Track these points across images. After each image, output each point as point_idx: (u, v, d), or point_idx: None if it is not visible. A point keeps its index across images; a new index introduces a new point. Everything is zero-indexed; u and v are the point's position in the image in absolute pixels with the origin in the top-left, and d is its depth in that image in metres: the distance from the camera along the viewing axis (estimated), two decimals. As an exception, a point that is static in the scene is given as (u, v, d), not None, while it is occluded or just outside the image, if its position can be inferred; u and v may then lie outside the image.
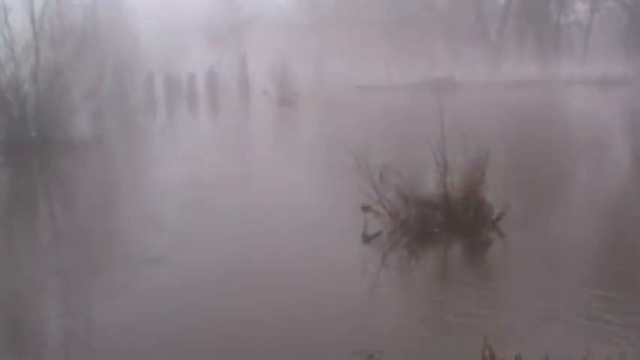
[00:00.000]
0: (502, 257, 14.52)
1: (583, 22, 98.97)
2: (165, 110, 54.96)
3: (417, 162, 20.52)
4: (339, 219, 17.14)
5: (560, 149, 29.62)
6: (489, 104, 51.03)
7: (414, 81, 71.07)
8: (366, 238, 15.26)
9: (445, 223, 15.58)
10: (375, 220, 15.74)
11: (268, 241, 15.77)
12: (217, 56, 76.92)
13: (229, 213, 19.22)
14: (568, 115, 48.33)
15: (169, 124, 44.44)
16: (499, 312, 11.02)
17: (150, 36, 68.28)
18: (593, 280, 12.27)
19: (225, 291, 12.61)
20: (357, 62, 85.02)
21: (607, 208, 18.41)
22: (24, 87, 38.36)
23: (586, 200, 19.97)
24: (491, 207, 15.69)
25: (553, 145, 30.48)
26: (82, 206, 23.18)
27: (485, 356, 8.32)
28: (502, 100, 54.30)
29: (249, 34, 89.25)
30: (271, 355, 9.90)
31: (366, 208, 15.74)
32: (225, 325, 10.98)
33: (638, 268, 13.18)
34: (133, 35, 61.14)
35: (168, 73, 62.08)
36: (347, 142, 17.66)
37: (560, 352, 8.80)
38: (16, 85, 38.03)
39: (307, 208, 18.95)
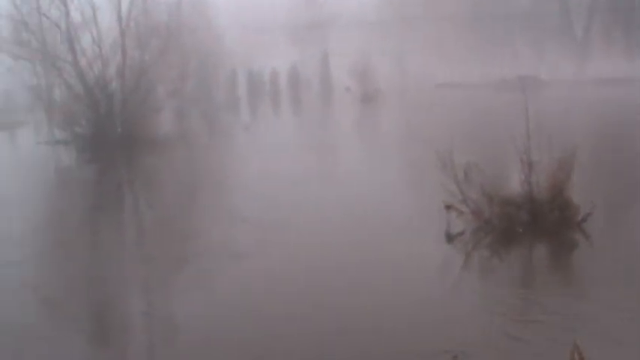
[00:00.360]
0: (587, 259, 14.17)
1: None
2: (248, 108, 55.40)
3: (500, 161, 20.23)
4: (423, 217, 17.02)
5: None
6: (575, 103, 49.90)
7: (496, 79, 69.99)
8: (449, 237, 15.13)
9: (529, 223, 15.30)
10: (458, 219, 15.59)
11: (351, 240, 15.74)
12: (299, 54, 77.24)
13: (313, 209, 19.29)
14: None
15: (252, 121, 44.73)
16: (585, 315, 10.76)
17: (233, 34, 68.96)
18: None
19: (306, 293, 12.65)
20: (438, 59, 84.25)
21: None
22: (111, 84, 39.30)
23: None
24: (577, 208, 15.32)
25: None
26: (167, 201, 23.57)
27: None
28: (589, 98, 53.06)
29: (330, 32, 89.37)
30: (355, 353, 9.92)
31: (449, 207, 15.60)
32: (305, 333, 10.98)
33: None
34: (216, 34, 61.81)
35: (251, 71, 62.63)
36: (429, 140, 17.47)
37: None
38: (104, 82, 38.97)
39: (390, 206, 18.87)
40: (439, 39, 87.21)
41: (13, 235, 18.89)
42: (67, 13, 39.70)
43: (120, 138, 36.91)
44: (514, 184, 15.90)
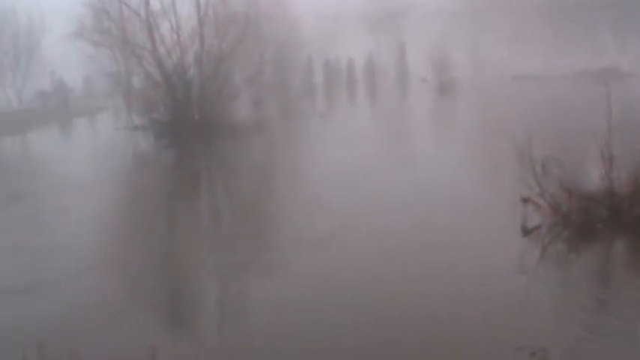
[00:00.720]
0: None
1: None
2: (325, 96, 55.41)
3: (580, 155, 19.83)
4: (499, 209, 16.80)
5: None
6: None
7: (575, 71, 68.49)
8: (526, 231, 14.92)
9: (609, 219, 14.94)
10: (535, 212, 15.34)
11: (428, 229, 15.69)
12: (375, 43, 76.95)
13: (388, 197, 19.25)
14: None
15: (328, 109, 44.74)
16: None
17: (310, 23, 69.07)
18: None
19: (390, 279, 12.68)
20: (515, 51, 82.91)
21: None
22: (189, 72, 39.73)
23: None
24: (659, 204, 14.89)
25: None
26: (243, 187, 23.79)
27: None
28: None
29: (407, 22, 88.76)
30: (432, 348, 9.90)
31: (525, 200, 15.36)
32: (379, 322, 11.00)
33: None
34: (293, 22, 61.91)
35: (328, 60, 62.59)
36: (506, 132, 17.19)
37: None
38: (182, 70, 39.43)
39: (466, 197, 18.71)
40: (516, 30, 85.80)
41: (94, 217, 19.44)
42: (147, 2, 40.21)
43: (197, 124, 37.33)
44: (594, 178, 15.56)
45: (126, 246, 16.75)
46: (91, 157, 35.25)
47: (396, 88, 59.63)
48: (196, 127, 36.85)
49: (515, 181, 15.75)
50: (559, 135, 27.78)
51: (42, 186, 26.71)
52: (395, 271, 12.98)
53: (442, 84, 58.06)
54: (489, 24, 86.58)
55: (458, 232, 15.28)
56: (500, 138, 22.28)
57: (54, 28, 59.83)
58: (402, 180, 21.66)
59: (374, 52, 66.04)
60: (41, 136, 47.63)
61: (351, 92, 57.60)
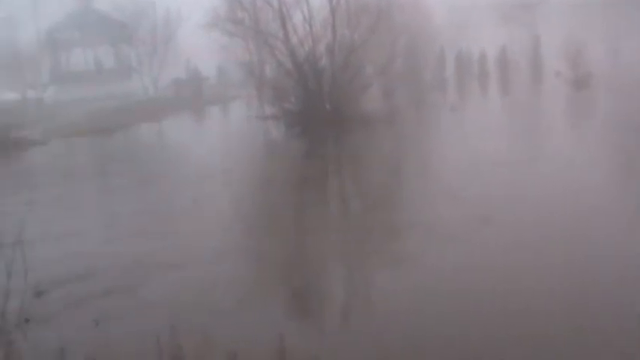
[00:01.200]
0: None
1: None
2: (456, 88, 54.68)
3: None
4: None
5: None
6: None
7: None
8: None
9: None
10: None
11: (573, 223, 15.13)
12: (508, 35, 75.35)
13: (521, 190, 18.72)
14: None
15: (460, 102, 44.05)
16: None
17: (442, 14, 68.28)
18: None
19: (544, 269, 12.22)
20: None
21: None
22: (321, 62, 39.81)
23: None
24: None
25: None
26: (376, 177, 23.70)
27: None
28: None
29: (540, 13, 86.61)
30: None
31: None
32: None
33: None
34: (425, 13, 61.29)
35: (460, 52, 61.55)
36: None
37: None
38: (314, 60, 39.56)
39: (604, 194, 17.95)
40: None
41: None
42: (280, -8, 40.58)
43: (328, 114, 37.36)
44: None
45: (265, 232, 17.07)
46: (224, 144, 35.93)
47: (529, 81, 58.06)
48: (327, 117, 36.88)
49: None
50: None
51: (177, 172, 27.47)
52: (539, 266, 12.49)
53: (577, 78, 56.13)
54: (626, 16, 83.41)
55: (602, 234, 14.59)
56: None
57: (190, 19, 61.41)
58: (539, 173, 21.00)
59: (507, 45, 64.50)
60: (175, 123, 48.90)
61: (482, 85, 56.52)
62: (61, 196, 24.49)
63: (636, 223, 14.98)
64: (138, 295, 12.93)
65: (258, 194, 22.38)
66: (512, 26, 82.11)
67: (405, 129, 35.42)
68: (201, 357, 8.59)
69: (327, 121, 36.24)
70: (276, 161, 29.06)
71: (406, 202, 19.26)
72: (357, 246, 15.02)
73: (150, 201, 22.48)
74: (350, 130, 33.90)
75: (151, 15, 67.42)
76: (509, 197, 17.98)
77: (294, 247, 15.74)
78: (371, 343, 9.99)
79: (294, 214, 19.23)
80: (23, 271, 12.20)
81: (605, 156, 24.03)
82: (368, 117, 36.19)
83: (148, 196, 23.14)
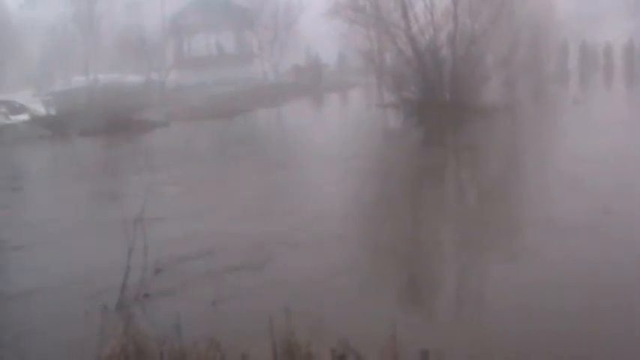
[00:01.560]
0: None
1: None
2: (579, 81, 53.34)
3: None
4: None
5: None
6: None
7: None
8: None
9: None
10: None
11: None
12: (637, 26, 72.89)
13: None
14: None
15: (583, 95, 42.96)
16: None
17: (566, 4, 66.63)
18: None
19: None
20: None
21: None
22: (441, 52, 39.60)
23: None
24: None
25: None
26: (494, 168, 23.58)
27: None
28: None
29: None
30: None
31: None
32: None
33: None
34: (550, 3, 59.94)
35: (584, 43, 60.00)
36: None
37: None
38: (434, 49, 39.39)
39: None
40: None
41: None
42: (402, -19, 40.49)
43: (447, 104, 37.20)
44: None
45: (383, 219, 17.34)
46: (343, 131, 36.26)
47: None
48: (446, 107, 36.73)
49: None
50: None
51: (297, 156, 27.96)
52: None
53: None
54: None
55: None
56: None
57: (311, 6, 61.98)
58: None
59: (635, 36, 62.35)
60: (295, 109, 49.57)
61: (607, 77, 54.90)
62: (184, 176, 25.24)
63: None
64: (257, 274, 13.26)
65: (377, 183, 22.58)
66: (640, 17, 79.45)
67: (526, 121, 34.89)
68: (312, 341, 8.66)
69: (446, 111, 36.08)
70: (395, 150, 29.16)
71: (526, 194, 19.05)
72: (477, 237, 14.98)
73: (272, 182, 22.96)
74: (469, 120, 33.66)
75: (272, 1, 68.35)
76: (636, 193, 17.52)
77: (409, 236, 15.85)
78: (482, 337, 9.98)
79: (412, 202, 19.34)
80: (144, 249, 12.64)
81: None
82: (488, 108, 35.82)
83: (272, 178, 23.63)
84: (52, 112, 46.17)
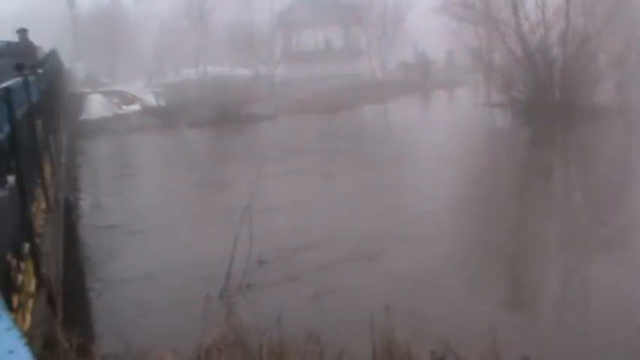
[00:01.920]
0: None
1: None
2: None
3: None
4: None
5: None
6: None
7: None
8: None
9: None
10: None
11: None
12: None
13: None
14: None
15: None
16: None
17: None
18: None
19: None
20: None
21: None
22: (552, 51, 38.86)
23: None
24: None
25: None
26: (604, 173, 23.11)
27: None
28: None
29: None
30: None
31: None
32: None
33: None
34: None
35: (703, 45, 57.84)
36: None
37: None
38: (545, 48, 38.71)
39: None
40: None
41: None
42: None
43: (557, 105, 36.48)
44: None
45: (490, 218, 17.32)
46: (449, 129, 35.99)
47: None
48: (556, 108, 36.02)
49: None
50: None
51: (402, 154, 28.00)
52: None
53: None
54: None
55: None
56: None
57: (420, 3, 61.64)
58: None
59: None
60: (401, 106, 49.40)
61: None
62: (291, 170, 25.53)
63: None
64: (358, 268, 13.38)
65: (484, 182, 22.44)
66: None
67: (636, 124, 33.94)
68: (413, 340, 8.64)
69: (555, 112, 35.41)
70: (503, 150, 28.86)
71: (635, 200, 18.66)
72: (582, 240, 14.80)
73: (379, 179, 22.99)
74: (580, 122, 32.94)
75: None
76: None
77: (512, 235, 15.77)
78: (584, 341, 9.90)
79: (518, 203, 19.18)
80: (249, 240, 12.90)
81: None
82: (599, 110, 34.98)
83: (377, 175, 23.66)
84: (162, 103, 47.35)
